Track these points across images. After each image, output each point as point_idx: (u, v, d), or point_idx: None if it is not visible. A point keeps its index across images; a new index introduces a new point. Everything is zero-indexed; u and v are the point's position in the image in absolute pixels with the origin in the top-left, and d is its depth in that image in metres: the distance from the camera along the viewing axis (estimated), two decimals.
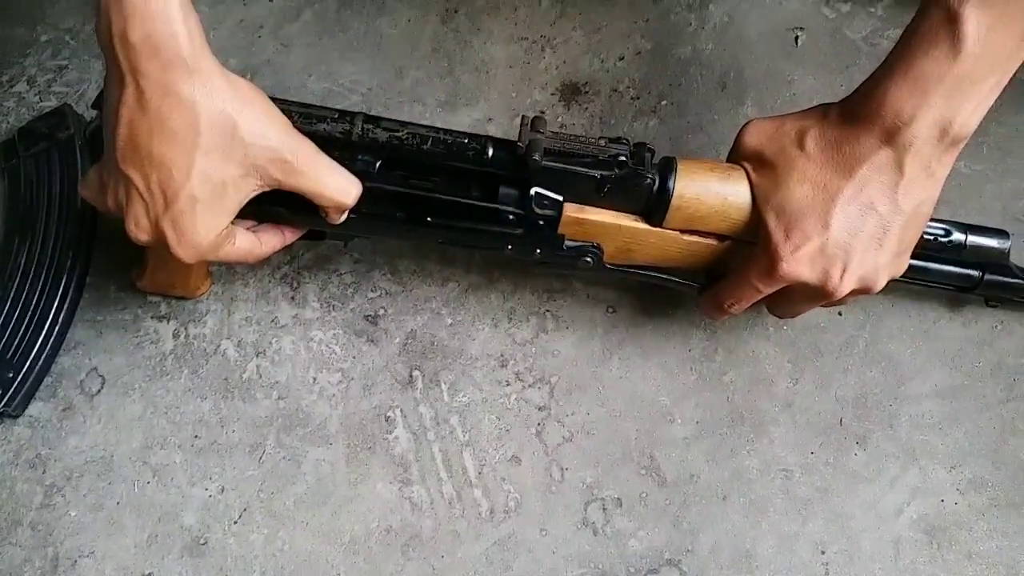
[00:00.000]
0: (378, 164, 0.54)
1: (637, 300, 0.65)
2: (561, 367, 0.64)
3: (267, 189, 0.50)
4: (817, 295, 0.50)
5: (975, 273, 0.57)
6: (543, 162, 0.51)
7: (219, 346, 0.66)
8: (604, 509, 0.59)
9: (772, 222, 0.49)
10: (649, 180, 0.52)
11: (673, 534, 0.58)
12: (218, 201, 0.49)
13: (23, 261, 0.65)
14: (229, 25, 0.77)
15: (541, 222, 0.54)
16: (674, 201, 0.52)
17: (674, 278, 0.58)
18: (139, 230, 0.50)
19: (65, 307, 0.65)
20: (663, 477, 0.60)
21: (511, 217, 0.54)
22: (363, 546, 0.60)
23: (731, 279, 0.53)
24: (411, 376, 0.64)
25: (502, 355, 0.64)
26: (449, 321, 0.66)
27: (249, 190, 0.50)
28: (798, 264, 0.48)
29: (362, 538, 0.60)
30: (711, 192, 0.52)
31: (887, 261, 0.49)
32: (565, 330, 0.65)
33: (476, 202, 0.54)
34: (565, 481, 0.60)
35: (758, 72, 0.71)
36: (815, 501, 0.58)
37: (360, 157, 0.54)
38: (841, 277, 0.48)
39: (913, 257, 0.54)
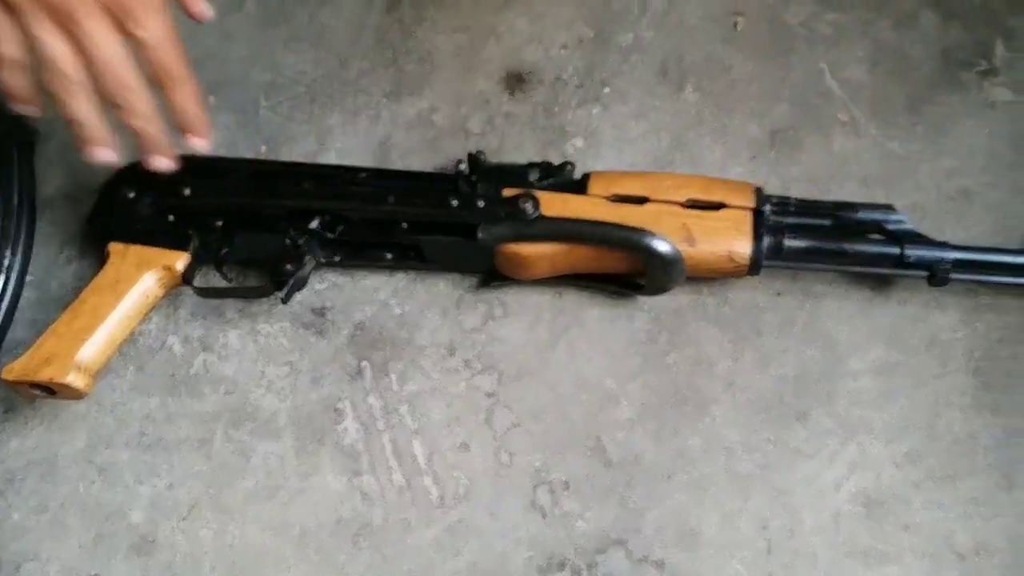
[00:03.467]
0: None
1: (584, 284, 0.65)
2: (509, 354, 0.64)
3: None
4: None
5: (894, 250, 0.59)
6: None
7: (165, 342, 0.66)
8: (552, 492, 0.60)
9: None
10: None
11: (620, 514, 0.59)
12: None
13: None
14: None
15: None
16: None
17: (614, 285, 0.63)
18: None
19: (4, 307, 0.65)
20: (609, 458, 0.61)
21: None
22: (314, 538, 0.60)
23: None
24: (360, 367, 0.64)
25: (451, 343, 0.65)
26: (398, 311, 0.66)
27: None
28: None
29: (313, 530, 0.60)
30: None
31: None
32: (513, 316, 0.65)
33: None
34: (514, 466, 0.61)
35: (698, 58, 0.72)
36: (757, 478, 0.59)
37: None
38: None
39: (827, 241, 0.59)
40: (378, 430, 0.63)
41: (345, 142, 0.71)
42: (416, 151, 0.70)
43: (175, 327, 0.66)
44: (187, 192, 0.62)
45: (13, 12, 0.50)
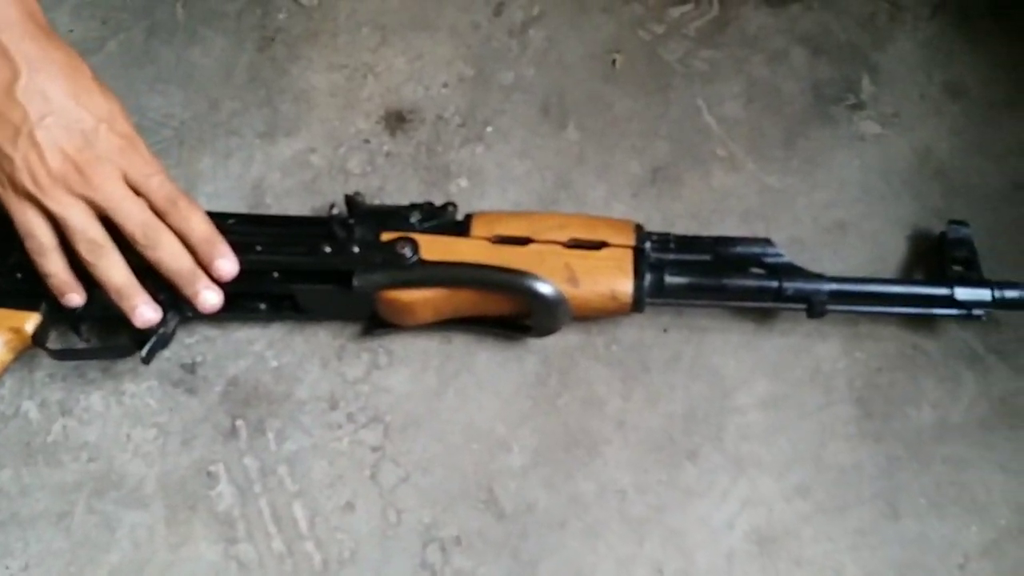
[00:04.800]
0: None
1: (472, 328, 0.63)
2: (395, 404, 0.61)
3: None
4: None
5: (773, 283, 0.59)
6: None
7: (19, 408, 0.61)
8: (443, 549, 0.57)
9: None
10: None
11: (513, 567, 0.57)
12: None
13: None
14: None
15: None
16: None
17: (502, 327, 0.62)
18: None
19: None
20: (501, 509, 0.58)
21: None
22: None
23: None
24: (234, 426, 0.61)
25: (332, 396, 0.62)
26: (274, 364, 0.62)
27: None
28: None
29: None
30: None
31: None
32: (399, 365, 0.63)
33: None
34: (402, 524, 0.58)
35: (579, 96, 0.71)
36: (651, 520, 0.58)
37: None
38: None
39: (708, 277, 0.59)
40: (255, 494, 0.59)
41: (216, 186, 0.67)
42: (293, 194, 0.68)
43: (31, 390, 0.61)
44: None
45: (35, 199, 0.53)
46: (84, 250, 0.54)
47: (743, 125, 0.71)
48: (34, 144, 0.52)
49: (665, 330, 0.63)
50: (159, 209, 0.55)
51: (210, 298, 0.56)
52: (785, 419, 0.61)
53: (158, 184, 0.55)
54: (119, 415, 0.61)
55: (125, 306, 0.56)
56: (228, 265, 0.56)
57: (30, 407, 0.61)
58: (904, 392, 0.62)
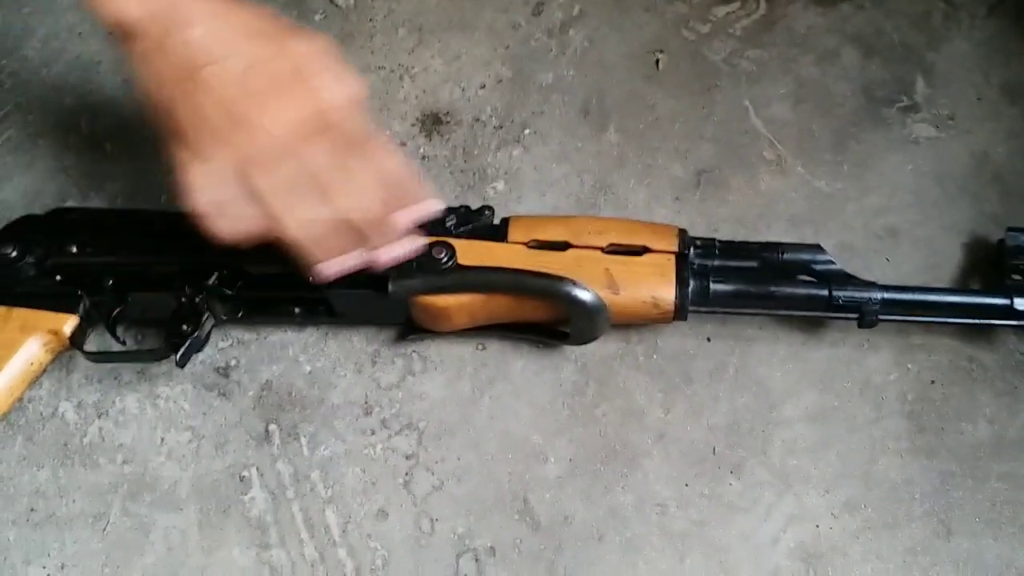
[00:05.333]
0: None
1: (508, 335, 0.62)
2: (429, 411, 0.60)
3: None
4: None
5: (823, 292, 0.57)
6: None
7: (57, 409, 0.61)
8: (477, 560, 0.56)
9: None
10: None
11: None
12: None
13: None
14: (65, 61, 0.72)
15: None
16: None
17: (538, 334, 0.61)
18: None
19: None
20: (537, 521, 0.57)
21: None
22: None
23: None
24: (267, 431, 0.60)
25: (366, 402, 0.61)
26: (308, 368, 0.62)
27: None
28: None
29: None
30: None
31: None
32: (433, 371, 0.62)
33: None
34: (435, 533, 0.57)
35: (620, 97, 0.70)
36: (692, 535, 0.56)
37: None
38: None
39: (754, 284, 0.57)
40: (288, 499, 0.58)
41: None
42: None
43: (67, 392, 0.61)
44: (74, 249, 0.58)
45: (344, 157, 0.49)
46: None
47: (791, 127, 0.68)
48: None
49: (709, 339, 0.61)
50: None
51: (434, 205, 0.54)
52: (833, 433, 0.59)
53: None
54: (154, 418, 0.61)
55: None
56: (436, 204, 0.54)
57: (67, 408, 0.61)
58: (959, 406, 0.59)
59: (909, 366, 0.60)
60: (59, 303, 0.58)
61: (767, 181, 0.67)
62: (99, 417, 0.61)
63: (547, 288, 0.56)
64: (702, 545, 0.56)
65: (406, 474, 0.59)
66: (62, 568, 0.57)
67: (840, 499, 0.57)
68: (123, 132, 0.69)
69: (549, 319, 0.59)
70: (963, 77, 0.70)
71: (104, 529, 0.58)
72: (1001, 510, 0.56)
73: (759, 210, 0.66)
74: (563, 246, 0.57)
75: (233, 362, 0.62)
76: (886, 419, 0.59)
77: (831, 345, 0.61)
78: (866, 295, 0.57)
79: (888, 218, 0.65)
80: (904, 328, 0.61)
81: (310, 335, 0.62)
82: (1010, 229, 0.61)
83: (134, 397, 0.61)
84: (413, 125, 0.69)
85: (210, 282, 0.57)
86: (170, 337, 0.57)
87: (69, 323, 0.58)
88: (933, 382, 0.60)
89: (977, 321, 0.58)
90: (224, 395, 0.61)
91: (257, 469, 0.59)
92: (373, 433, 0.60)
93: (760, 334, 0.62)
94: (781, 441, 0.58)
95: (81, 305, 0.58)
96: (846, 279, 0.58)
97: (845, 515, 0.56)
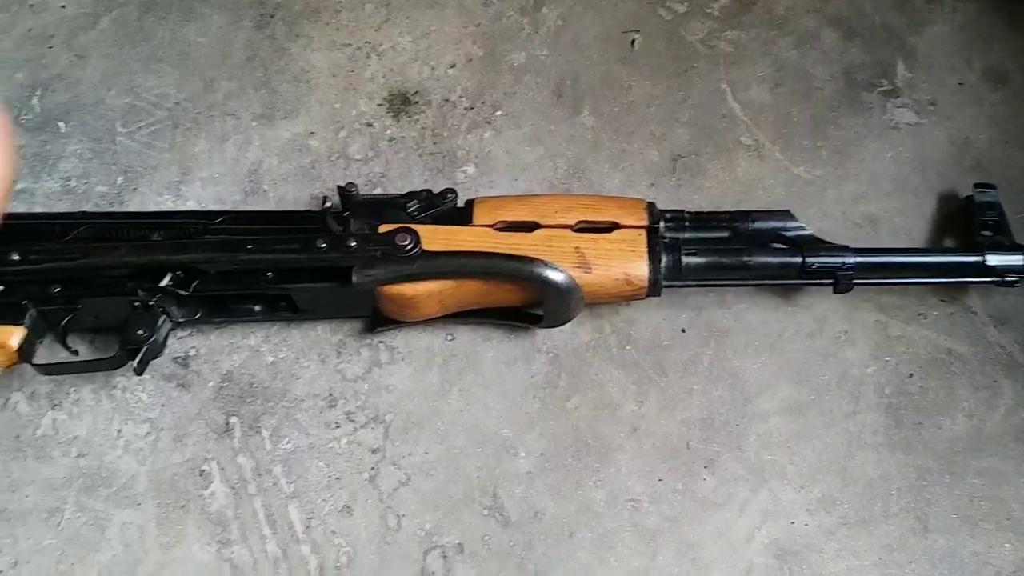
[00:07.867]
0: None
1: (477, 325, 0.60)
2: (397, 403, 0.59)
3: None
4: None
5: (796, 259, 0.56)
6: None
7: (8, 400, 0.59)
8: (444, 557, 0.55)
9: None
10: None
11: None
12: None
13: None
14: (15, 35, 0.69)
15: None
16: None
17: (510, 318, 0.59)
18: None
19: None
20: (507, 516, 0.56)
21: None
22: None
23: None
24: (228, 423, 0.58)
25: (331, 394, 0.59)
26: (270, 359, 0.60)
27: None
28: None
29: None
30: None
31: None
32: (401, 362, 0.60)
33: None
34: (402, 529, 0.55)
35: (594, 78, 0.68)
36: (664, 532, 0.55)
37: None
38: None
39: (727, 256, 0.56)
40: (249, 494, 0.56)
41: (212, 171, 0.65)
42: (291, 179, 0.65)
43: (20, 382, 0.59)
44: (15, 257, 0.55)
45: None
46: None
47: (770, 111, 0.67)
48: None
49: (683, 330, 0.60)
50: None
51: None
52: (809, 427, 0.58)
53: None
54: (110, 409, 0.59)
55: None
56: None
57: (19, 399, 0.59)
58: (937, 400, 0.58)
59: (887, 359, 0.59)
60: (3, 315, 0.55)
61: (744, 167, 0.65)
62: (52, 408, 0.59)
63: (517, 270, 0.54)
64: (675, 542, 0.55)
65: (372, 468, 0.57)
66: (15, 565, 0.55)
67: (816, 495, 0.56)
68: (78, 111, 0.66)
69: (521, 303, 0.58)
70: (945, 61, 0.69)
71: (59, 525, 0.56)
72: (978, 506, 0.56)
73: (736, 197, 0.64)
74: (531, 226, 0.56)
75: (192, 352, 0.60)
76: (863, 413, 0.58)
77: (808, 337, 0.60)
78: (839, 259, 0.56)
79: (867, 206, 0.64)
80: (882, 321, 0.60)
81: (272, 325, 0.60)
82: (977, 185, 0.60)
83: (89, 388, 0.59)
84: (380, 105, 0.67)
85: (164, 283, 0.55)
86: (125, 344, 0.54)
87: (16, 335, 0.55)
88: (911, 375, 0.59)
89: (951, 280, 0.58)
90: (183, 386, 0.59)
91: (218, 463, 0.57)
92: (338, 426, 0.58)
93: (735, 325, 0.60)
94: (756, 435, 0.57)
95: (28, 315, 0.55)
96: (818, 244, 0.57)
97: (821, 511, 0.56)
